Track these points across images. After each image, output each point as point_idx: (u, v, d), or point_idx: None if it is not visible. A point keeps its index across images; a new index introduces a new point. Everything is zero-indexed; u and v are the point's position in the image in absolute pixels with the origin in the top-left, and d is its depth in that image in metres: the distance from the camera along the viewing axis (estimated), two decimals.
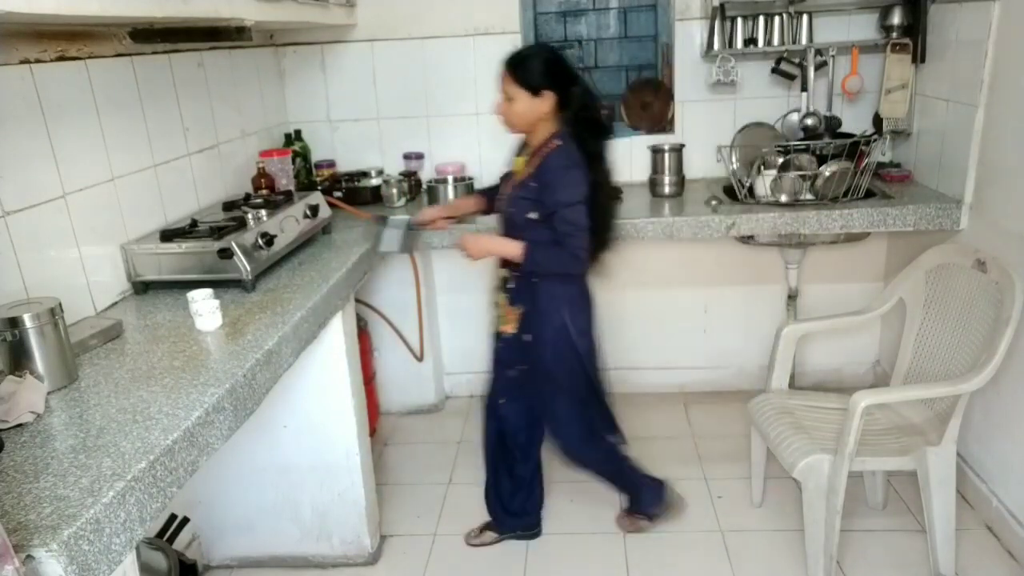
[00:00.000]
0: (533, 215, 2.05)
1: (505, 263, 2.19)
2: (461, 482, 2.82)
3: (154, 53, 2.18)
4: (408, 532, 2.50)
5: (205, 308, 1.74)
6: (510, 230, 2.15)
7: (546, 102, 1.99)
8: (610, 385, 2.34)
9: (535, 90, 1.98)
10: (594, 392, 2.26)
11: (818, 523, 2.09)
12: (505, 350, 2.28)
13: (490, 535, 2.47)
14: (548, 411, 2.26)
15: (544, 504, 2.51)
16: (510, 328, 2.21)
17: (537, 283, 2.11)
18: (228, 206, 2.38)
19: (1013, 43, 2.22)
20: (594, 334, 2.22)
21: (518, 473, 2.40)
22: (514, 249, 2.06)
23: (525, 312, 2.17)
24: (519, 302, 2.17)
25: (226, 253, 1.94)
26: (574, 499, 2.66)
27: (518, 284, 2.16)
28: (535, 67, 1.98)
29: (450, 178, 2.95)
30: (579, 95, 2.04)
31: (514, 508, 2.44)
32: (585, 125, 2.05)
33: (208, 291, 1.79)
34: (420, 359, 3.17)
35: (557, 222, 2.00)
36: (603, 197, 2.11)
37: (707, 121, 3.07)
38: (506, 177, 2.25)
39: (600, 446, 2.32)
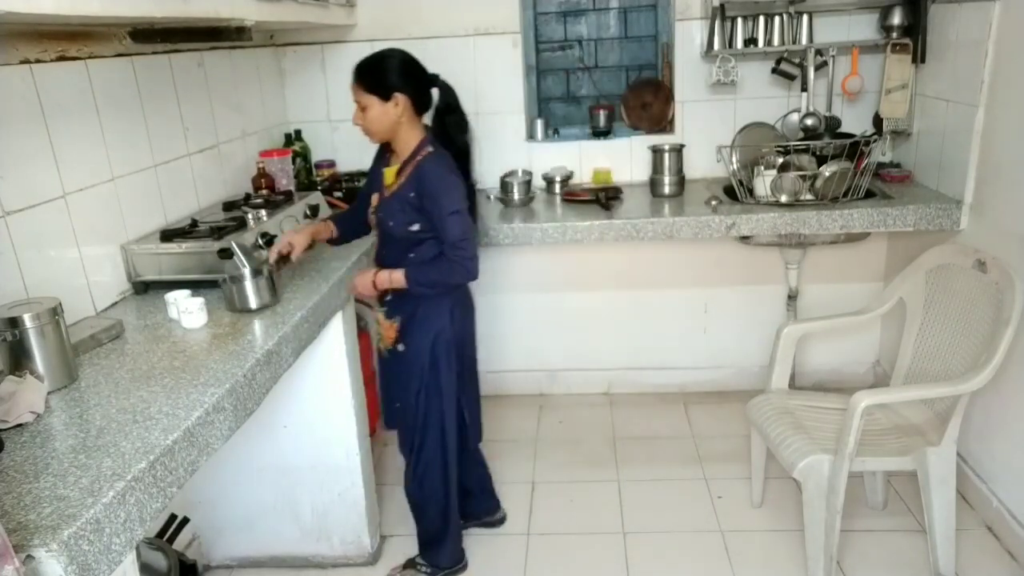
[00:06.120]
0: (415, 227, 1.98)
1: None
2: None
3: (154, 53, 2.18)
4: (408, 532, 2.49)
5: (192, 305, 1.76)
6: (389, 244, 2.08)
7: (399, 106, 1.93)
8: (478, 396, 2.29)
9: (385, 95, 1.92)
10: (461, 404, 2.19)
11: (818, 523, 2.08)
12: (383, 368, 2.24)
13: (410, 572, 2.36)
14: (411, 427, 2.19)
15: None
16: (388, 343, 2.15)
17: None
18: (228, 206, 2.38)
19: (1013, 43, 2.22)
20: (472, 340, 2.16)
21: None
22: (399, 279, 1.99)
23: (403, 321, 2.10)
24: (397, 313, 2.11)
25: (226, 253, 1.94)
26: (574, 499, 2.67)
27: (395, 296, 2.09)
28: (382, 72, 1.93)
29: None
30: (440, 95, 2.00)
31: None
32: (452, 125, 2.02)
33: (186, 291, 1.83)
34: None
35: (444, 231, 1.94)
36: (473, 201, 2.07)
37: (707, 121, 3.07)
38: (365, 195, 2.17)
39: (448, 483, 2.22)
